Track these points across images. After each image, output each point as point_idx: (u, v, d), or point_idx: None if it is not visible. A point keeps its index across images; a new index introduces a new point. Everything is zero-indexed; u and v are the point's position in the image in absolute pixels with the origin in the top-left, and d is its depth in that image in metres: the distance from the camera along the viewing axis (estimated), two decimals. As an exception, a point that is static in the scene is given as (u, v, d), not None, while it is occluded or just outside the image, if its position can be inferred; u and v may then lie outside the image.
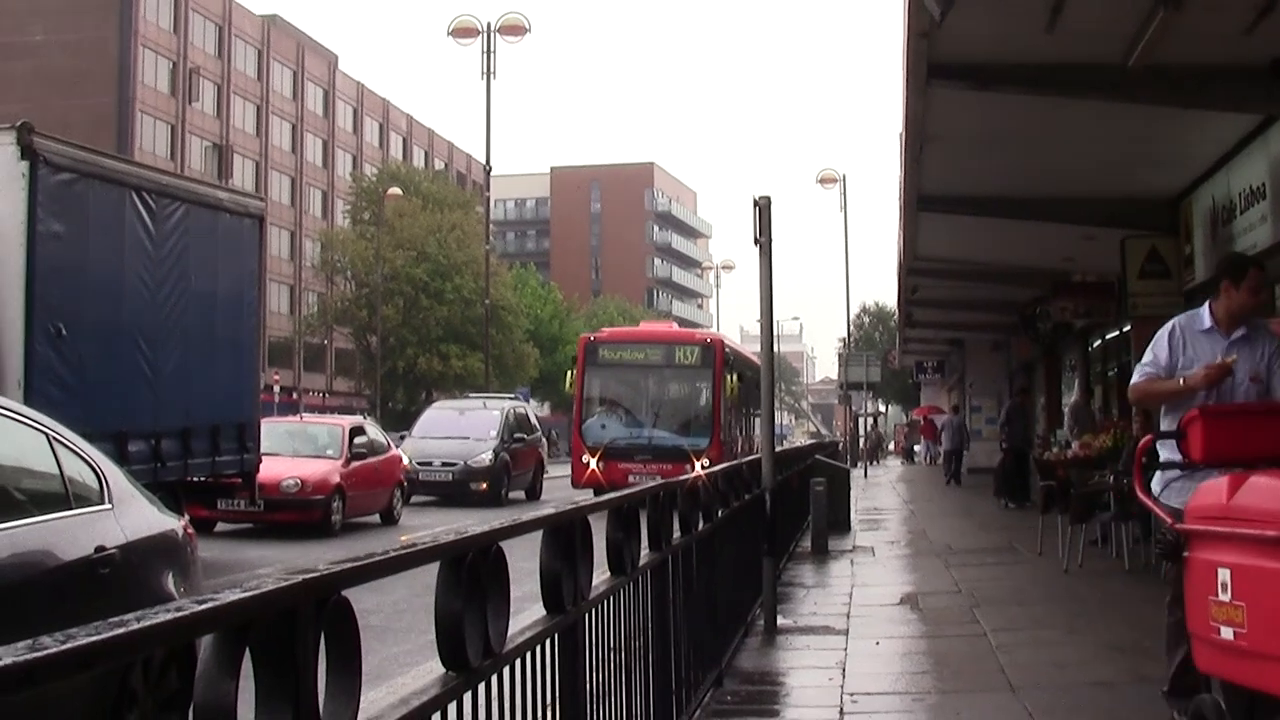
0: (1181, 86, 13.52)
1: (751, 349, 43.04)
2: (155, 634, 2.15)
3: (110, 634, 2.02)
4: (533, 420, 39.71)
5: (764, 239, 12.71)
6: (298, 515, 23.23)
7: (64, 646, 1.92)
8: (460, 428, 35.35)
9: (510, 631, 3.92)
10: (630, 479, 29.02)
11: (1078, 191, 19.92)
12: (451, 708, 3.40)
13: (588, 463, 32.00)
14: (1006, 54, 13.37)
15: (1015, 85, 13.78)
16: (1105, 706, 8.92)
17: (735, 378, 33.67)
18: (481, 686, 3.65)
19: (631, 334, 37.94)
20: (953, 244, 25.74)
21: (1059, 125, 15.93)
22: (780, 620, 12.41)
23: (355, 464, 25.16)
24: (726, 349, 34.41)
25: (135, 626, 2.08)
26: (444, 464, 33.42)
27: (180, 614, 2.20)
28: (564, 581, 4.67)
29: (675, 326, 43.44)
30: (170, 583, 7.43)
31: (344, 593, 2.77)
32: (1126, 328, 24.52)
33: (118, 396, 16.37)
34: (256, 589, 2.42)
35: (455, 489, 33.20)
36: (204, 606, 2.27)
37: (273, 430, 23.71)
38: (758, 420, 40.49)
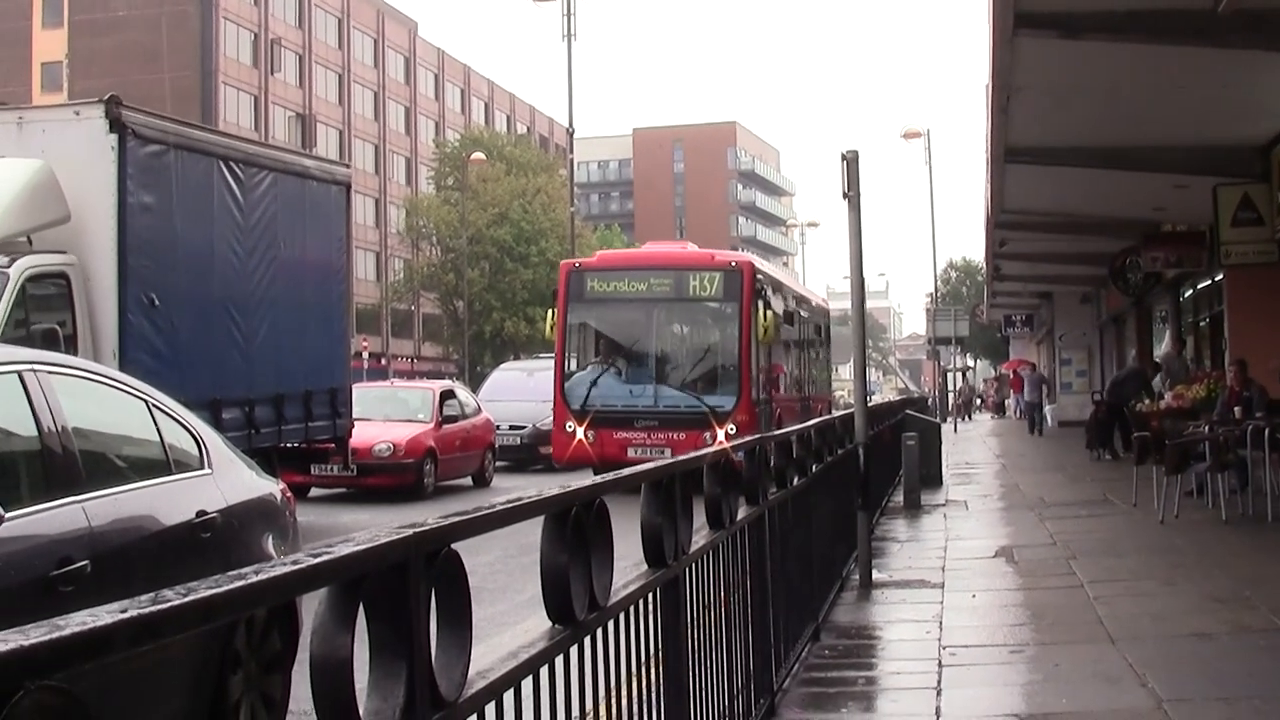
0: (1273, 30, 13.30)
1: (841, 305, 40.82)
2: (273, 586, 2.17)
3: (230, 586, 2.03)
4: None
5: (853, 192, 12.74)
6: (391, 479, 23.40)
7: (186, 599, 1.93)
8: (528, 390, 32.16)
9: (613, 586, 3.94)
10: (630, 453, 23.04)
11: (1167, 140, 19.64)
12: (559, 660, 3.42)
13: (573, 431, 24.95)
14: (1094, 1, 13.22)
15: (1103, 33, 13.62)
16: (1206, 658, 8.85)
17: (773, 314, 25.80)
18: (587, 640, 3.67)
19: (630, 258, 29.56)
20: (1041, 196, 25.50)
21: (1147, 73, 15.74)
22: (875, 574, 12.41)
23: (447, 427, 25.32)
24: (759, 276, 26.10)
25: (254, 579, 2.10)
26: (512, 427, 30.88)
27: (297, 566, 2.22)
28: (665, 536, 4.68)
29: (691, 247, 30.60)
30: (270, 545, 7.51)
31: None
32: (1219, 277, 24.23)
33: (211, 365, 16.54)
34: (370, 541, 2.44)
35: (524, 453, 31.35)
36: (319, 559, 2.28)
37: (364, 396, 23.81)
38: (810, 373, 36.09)
